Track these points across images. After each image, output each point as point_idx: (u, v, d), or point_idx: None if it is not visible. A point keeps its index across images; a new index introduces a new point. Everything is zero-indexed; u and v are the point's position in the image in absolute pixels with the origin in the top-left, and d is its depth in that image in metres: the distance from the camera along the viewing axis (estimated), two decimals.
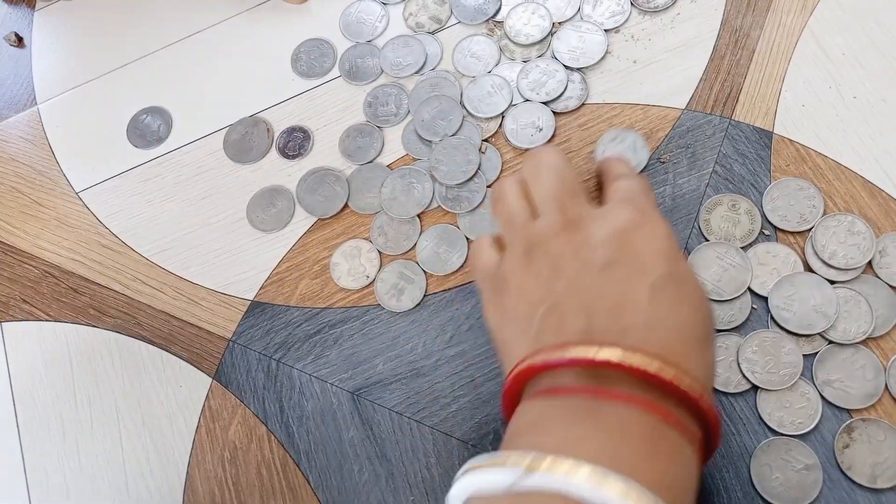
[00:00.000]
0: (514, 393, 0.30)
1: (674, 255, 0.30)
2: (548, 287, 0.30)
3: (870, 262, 0.38)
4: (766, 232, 0.40)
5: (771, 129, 0.42)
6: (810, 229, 0.39)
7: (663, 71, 0.44)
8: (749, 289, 0.38)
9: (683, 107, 0.43)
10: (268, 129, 0.47)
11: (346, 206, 0.44)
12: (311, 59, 0.48)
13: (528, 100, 0.45)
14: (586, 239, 0.30)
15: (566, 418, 0.26)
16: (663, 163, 0.42)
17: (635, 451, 0.25)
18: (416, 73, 0.47)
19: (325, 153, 0.46)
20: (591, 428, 0.26)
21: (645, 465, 0.24)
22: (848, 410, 0.36)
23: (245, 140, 0.47)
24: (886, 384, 0.36)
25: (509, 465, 0.24)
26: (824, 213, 0.39)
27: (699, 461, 0.27)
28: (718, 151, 0.42)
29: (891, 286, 0.37)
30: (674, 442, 0.26)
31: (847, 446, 0.35)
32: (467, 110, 0.45)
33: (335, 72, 0.48)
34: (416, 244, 0.42)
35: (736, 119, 0.42)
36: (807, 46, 0.43)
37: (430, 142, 0.44)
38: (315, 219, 0.44)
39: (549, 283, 0.30)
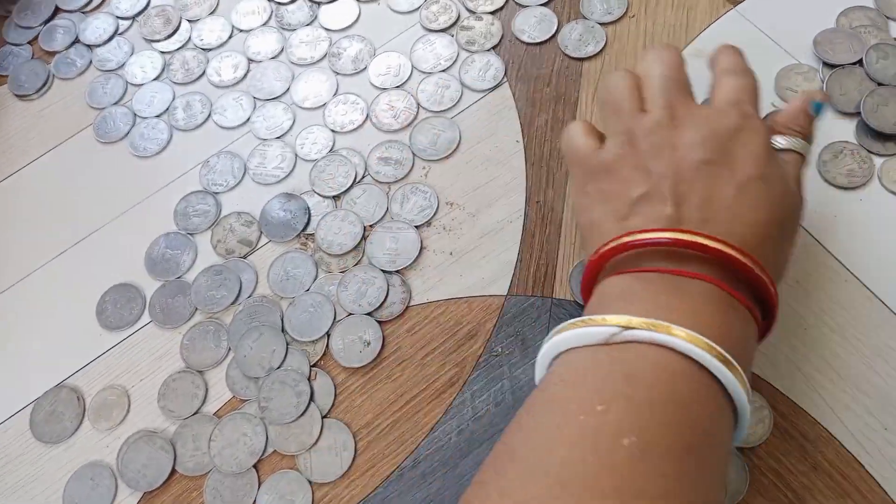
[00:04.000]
0: (597, 270, 0.33)
1: (765, 160, 0.32)
2: (646, 176, 0.32)
3: None
4: None
5: None
6: None
7: (481, 258, 0.44)
8: None
9: (505, 293, 0.43)
10: (78, 398, 0.43)
11: (173, 470, 0.40)
12: (117, 309, 0.45)
13: (351, 313, 0.43)
14: (688, 137, 0.32)
15: (652, 290, 0.29)
16: (497, 355, 0.41)
17: (714, 319, 0.28)
18: (233, 303, 0.45)
19: (143, 412, 0.42)
20: (675, 298, 0.29)
21: (721, 330, 0.28)
22: None
23: (53, 416, 0.43)
24: None
25: (609, 323, 0.28)
26: None
27: (763, 332, 0.32)
28: (547, 333, 0.41)
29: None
30: (743, 316, 0.30)
31: None
32: (290, 336, 0.43)
33: (146, 317, 0.45)
34: (255, 500, 0.39)
35: (557, 297, 0.42)
36: None
37: (256, 378, 0.42)
38: (141, 494, 0.40)
39: (647, 172, 0.32)
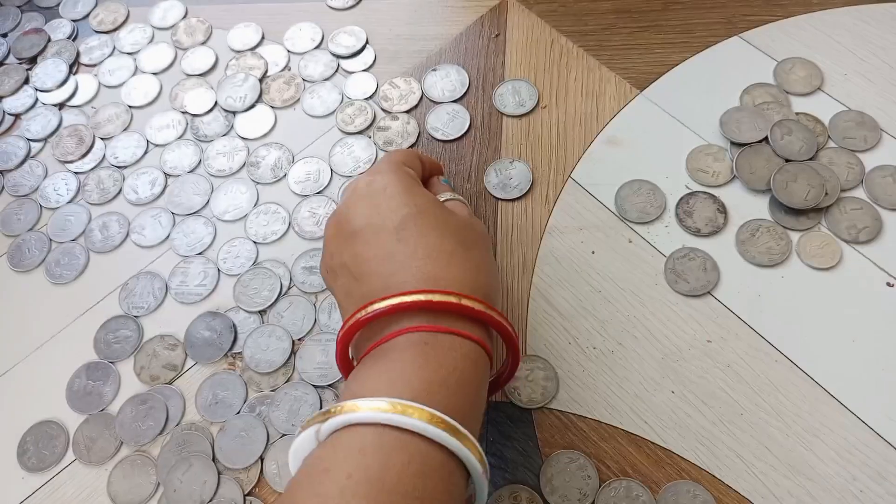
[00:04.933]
0: (346, 369, 0.35)
1: (406, 197, 0.35)
2: (337, 282, 0.36)
3: None
4: None
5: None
6: None
7: None
8: None
9: None
10: None
11: None
12: (39, 449, 0.43)
13: (284, 434, 0.42)
14: (345, 220, 0.36)
15: (359, 375, 0.32)
16: None
17: (405, 370, 0.30)
18: (160, 434, 0.43)
19: None
20: (374, 371, 0.31)
21: (413, 376, 0.30)
22: None
23: None
24: None
25: (310, 423, 0.30)
26: (600, 483, 0.38)
27: (486, 345, 0.33)
28: (485, 440, 0.40)
29: None
30: (446, 343, 0.31)
31: None
32: (222, 464, 0.41)
33: (70, 455, 0.43)
34: None
35: (492, 400, 0.41)
36: (538, 307, 0.44)
37: None
38: None
39: (335, 277, 0.36)
